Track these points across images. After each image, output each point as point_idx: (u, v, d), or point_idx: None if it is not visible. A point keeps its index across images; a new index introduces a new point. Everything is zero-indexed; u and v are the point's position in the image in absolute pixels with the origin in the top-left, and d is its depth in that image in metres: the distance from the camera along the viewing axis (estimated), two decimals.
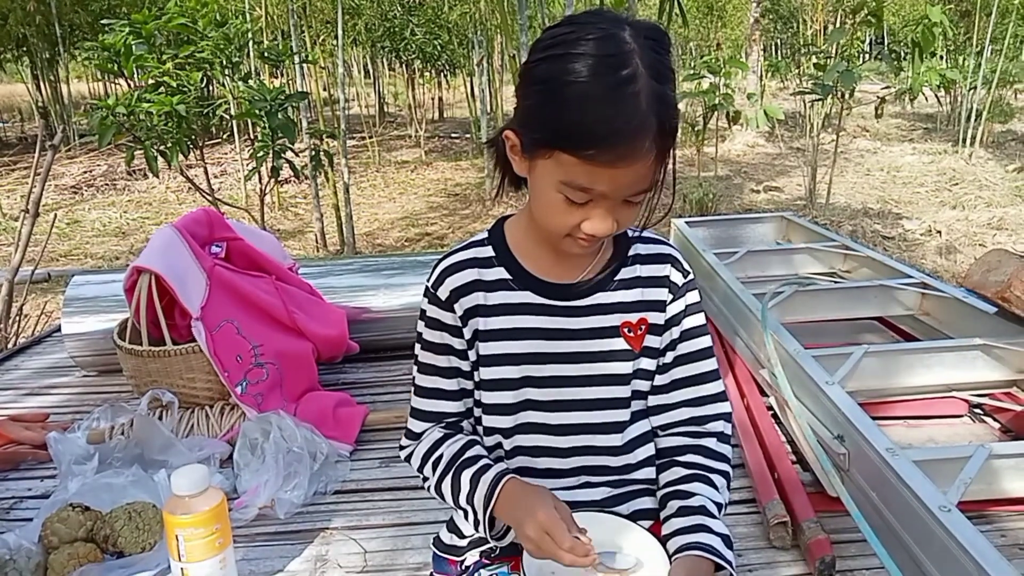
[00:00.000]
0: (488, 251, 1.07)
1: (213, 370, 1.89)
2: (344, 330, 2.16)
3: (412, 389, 1.11)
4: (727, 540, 1.01)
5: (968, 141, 8.83)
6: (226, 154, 9.79)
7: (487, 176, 8.11)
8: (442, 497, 1.06)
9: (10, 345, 3.51)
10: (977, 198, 7.24)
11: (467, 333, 1.05)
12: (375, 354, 2.50)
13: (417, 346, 1.10)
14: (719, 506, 1.05)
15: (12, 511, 1.75)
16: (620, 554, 0.98)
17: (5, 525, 1.69)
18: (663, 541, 1.00)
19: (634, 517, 1.10)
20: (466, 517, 1.06)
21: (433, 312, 1.06)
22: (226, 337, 1.89)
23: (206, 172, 4.92)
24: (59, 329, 2.92)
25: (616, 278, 1.06)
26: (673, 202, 0.96)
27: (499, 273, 1.05)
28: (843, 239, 2.62)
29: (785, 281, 2.25)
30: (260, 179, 4.81)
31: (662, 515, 1.06)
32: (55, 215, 5.34)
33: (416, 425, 1.11)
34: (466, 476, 1.02)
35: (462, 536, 1.15)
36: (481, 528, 1.01)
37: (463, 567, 1.14)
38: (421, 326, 1.09)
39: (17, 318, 3.66)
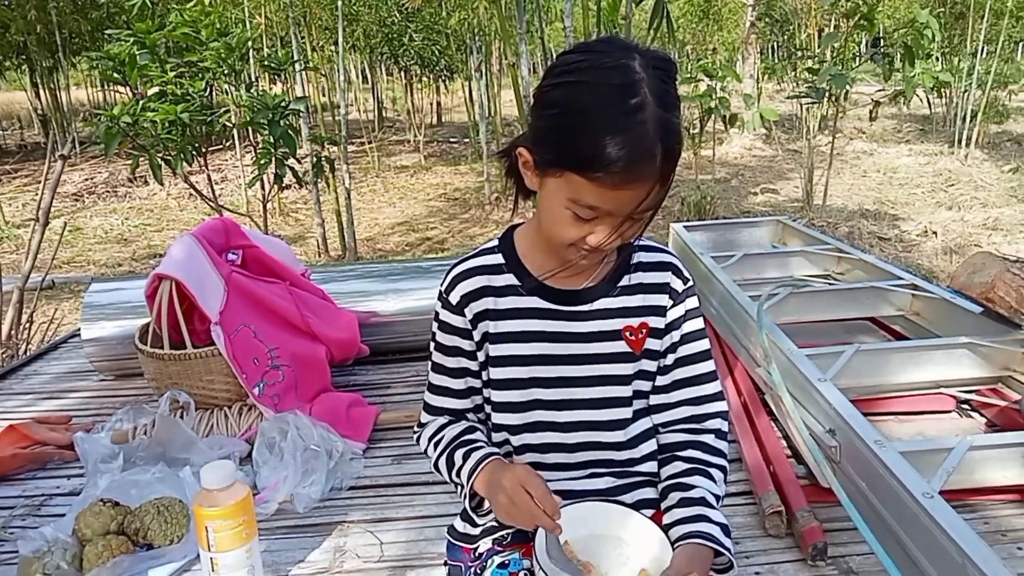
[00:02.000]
0: (498, 258, 1.14)
1: (231, 372, 1.97)
2: (355, 333, 2.24)
3: (427, 385, 1.19)
4: (725, 529, 1.08)
5: (964, 142, 8.92)
6: (226, 160, 9.88)
7: (486, 181, 8.18)
8: (439, 472, 1.15)
9: (22, 351, 3.58)
10: (973, 199, 7.32)
11: (476, 336, 1.12)
12: (384, 356, 2.58)
13: (431, 345, 1.18)
14: (717, 497, 1.12)
15: (43, 507, 1.83)
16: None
17: (38, 520, 1.77)
18: (665, 529, 1.08)
19: (637, 506, 1.17)
20: (458, 492, 1.13)
21: (445, 316, 1.14)
22: (244, 341, 1.97)
23: (209, 180, 5.00)
24: (74, 335, 3.01)
25: (619, 284, 1.13)
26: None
27: (508, 279, 1.12)
28: (837, 242, 2.70)
29: (780, 283, 2.33)
30: (263, 186, 4.89)
31: (664, 505, 1.13)
32: (64, 223, 5.41)
33: (425, 417, 1.20)
34: (459, 453, 1.11)
35: (475, 525, 1.21)
36: (465, 500, 1.11)
37: (476, 554, 1.21)
38: (435, 327, 1.16)
39: (28, 325, 3.74)
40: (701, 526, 1.06)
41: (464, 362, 1.14)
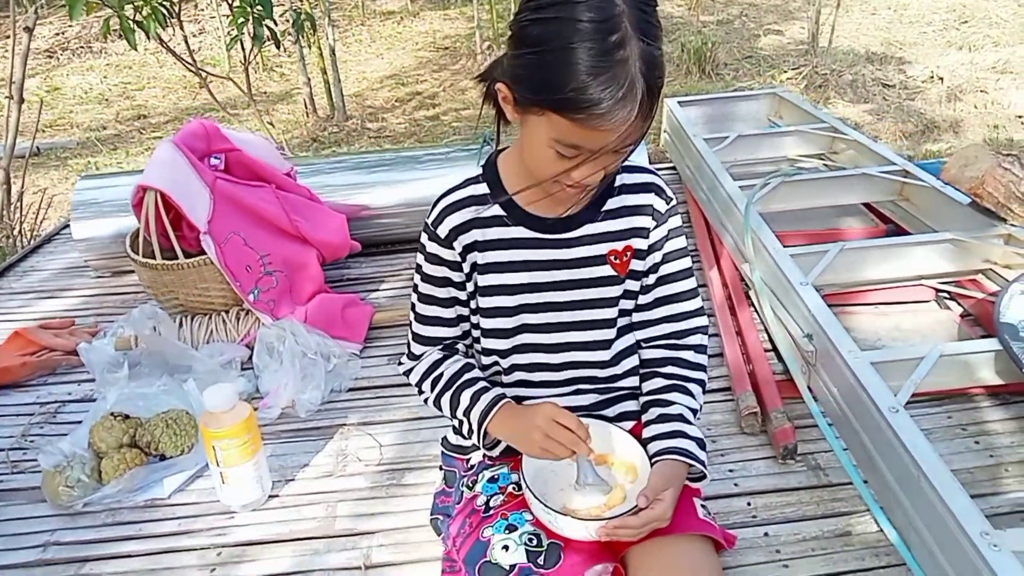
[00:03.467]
0: (483, 188, 1.14)
1: (225, 279, 2.00)
2: (345, 234, 2.25)
3: (412, 315, 1.22)
4: (700, 443, 1.15)
5: None
6: (202, 10, 9.34)
7: (476, 27, 7.78)
8: (440, 409, 1.21)
9: (16, 232, 3.59)
10: (985, 37, 6.99)
11: (466, 267, 1.14)
12: (376, 248, 2.60)
13: (416, 277, 1.20)
14: (694, 412, 1.19)
15: (58, 414, 1.92)
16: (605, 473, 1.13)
17: (54, 427, 1.88)
18: (645, 443, 1.15)
19: (619, 419, 1.25)
20: (460, 427, 1.22)
21: (432, 248, 1.15)
22: (235, 249, 1.98)
23: (186, 41, 4.76)
24: (66, 227, 3.00)
25: (603, 209, 1.14)
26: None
27: (494, 210, 1.12)
28: (832, 121, 2.64)
29: (772, 173, 2.31)
30: (242, 47, 4.66)
31: (644, 419, 1.20)
32: (40, 103, 5.20)
33: (417, 348, 1.23)
34: (466, 394, 1.16)
35: (467, 437, 1.29)
36: (475, 437, 1.17)
37: (468, 465, 1.30)
38: (420, 259, 1.18)
39: (19, 202, 3.71)
40: (677, 442, 1.13)
41: (454, 292, 1.17)
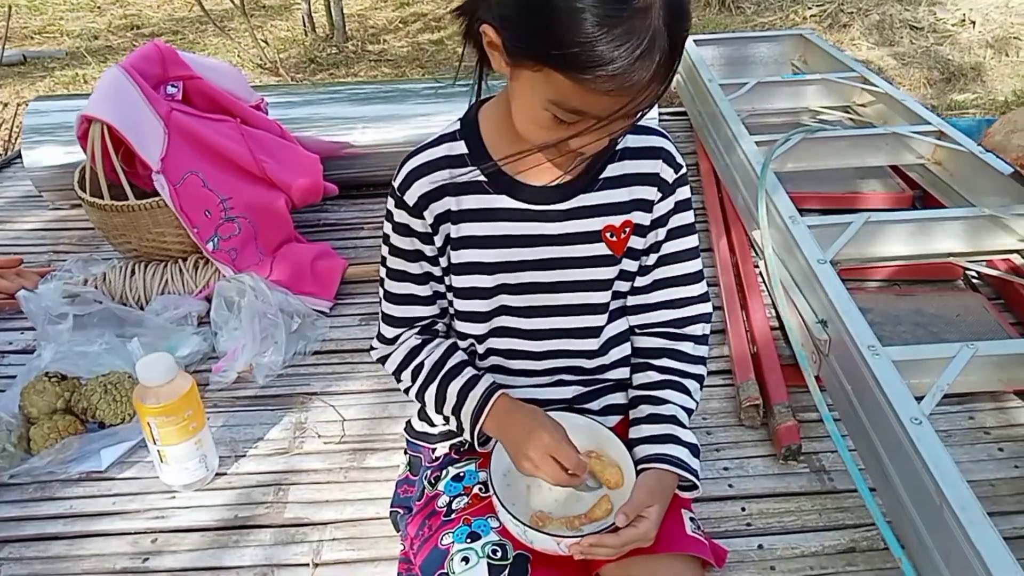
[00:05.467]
0: (460, 147, 0.97)
1: (182, 224, 1.81)
2: (318, 178, 2.03)
3: (382, 292, 1.06)
4: (694, 449, 1.02)
5: None
6: None
7: None
8: (423, 404, 1.07)
9: None
10: None
11: (438, 240, 0.99)
12: (357, 191, 2.39)
13: (384, 249, 1.04)
14: (689, 412, 1.06)
15: None
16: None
17: None
18: (632, 444, 1.01)
19: (603, 412, 1.12)
20: (446, 421, 1.08)
21: (401, 217, 0.99)
22: (191, 190, 1.78)
23: None
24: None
25: (601, 176, 0.97)
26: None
27: (472, 174, 0.96)
28: (861, 70, 2.38)
29: (792, 129, 2.08)
30: None
31: (632, 415, 1.07)
32: (8, 8, 4.88)
33: (389, 331, 1.07)
34: (453, 388, 1.02)
35: (433, 425, 1.16)
36: (466, 435, 1.03)
37: (433, 456, 1.16)
38: (388, 229, 1.02)
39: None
40: (668, 448, 1.00)
41: (427, 267, 1.02)
